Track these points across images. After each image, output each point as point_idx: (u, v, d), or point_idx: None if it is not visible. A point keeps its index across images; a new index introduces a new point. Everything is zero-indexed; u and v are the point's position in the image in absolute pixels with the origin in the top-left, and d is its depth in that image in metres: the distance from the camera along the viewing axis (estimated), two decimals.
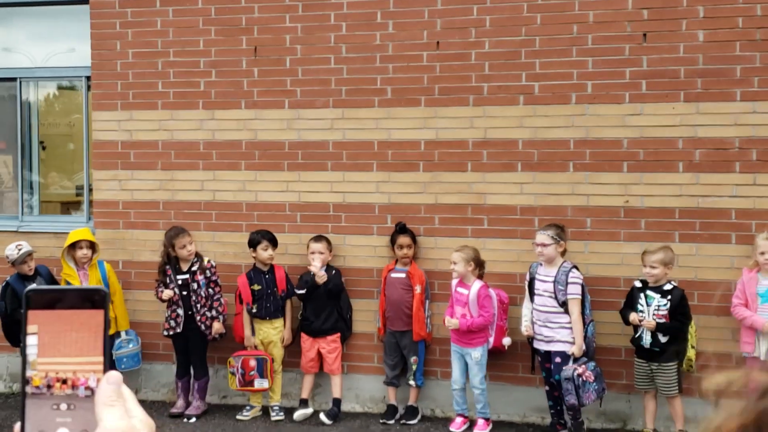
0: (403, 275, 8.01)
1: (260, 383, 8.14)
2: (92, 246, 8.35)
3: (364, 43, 8.20)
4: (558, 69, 7.79)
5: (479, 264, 7.68)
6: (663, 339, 7.13)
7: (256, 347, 8.25)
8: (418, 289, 7.94)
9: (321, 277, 7.99)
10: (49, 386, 1.03)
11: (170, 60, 8.67)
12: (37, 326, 1.03)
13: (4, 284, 8.24)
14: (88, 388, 1.04)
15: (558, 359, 7.34)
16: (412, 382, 8.08)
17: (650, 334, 7.15)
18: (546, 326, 7.42)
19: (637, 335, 7.26)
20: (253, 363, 8.11)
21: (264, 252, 8.15)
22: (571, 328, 7.35)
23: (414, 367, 8.05)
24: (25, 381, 1.03)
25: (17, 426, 1.03)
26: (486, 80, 7.95)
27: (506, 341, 7.77)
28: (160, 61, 8.70)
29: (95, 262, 8.41)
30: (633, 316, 7.16)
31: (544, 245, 7.38)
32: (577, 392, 7.19)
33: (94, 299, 1.05)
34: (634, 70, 7.64)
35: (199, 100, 8.61)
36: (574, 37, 7.75)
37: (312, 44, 8.32)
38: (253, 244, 8.19)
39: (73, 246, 8.27)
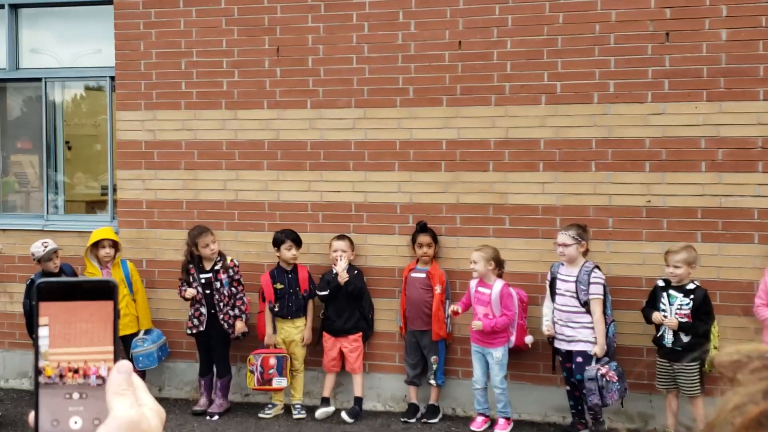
0: (423, 275, 8.20)
1: (278, 382, 8.34)
2: (115, 245, 8.61)
3: (386, 43, 8.40)
4: (580, 68, 7.95)
5: (499, 263, 7.85)
6: (685, 338, 7.26)
7: (276, 345, 8.46)
8: (438, 288, 8.12)
9: (343, 277, 8.20)
10: (61, 376, 1.07)
11: (193, 60, 8.92)
12: (48, 318, 1.07)
13: (29, 282, 8.53)
14: (99, 377, 1.07)
15: (579, 359, 7.49)
16: (432, 382, 8.26)
17: (672, 334, 7.27)
18: (567, 326, 7.58)
19: (659, 334, 7.39)
20: (273, 361, 8.32)
21: (287, 252, 8.36)
22: (592, 328, 7.50)
23: (434, 367, 8.23)
24: (38, 371, 1.07)
25: (32, 415, 1.07)
26: (508, 80, 8.13)
27: (528, 339, 7.94)
28: (183, 61, 8.95)
29: (118, 261, 8.67)
30: (656, 315, 7.28)
31: (565, 245, 7.53)
32: (601, 392, 7.35)
33: (103, 290, 1.09)
34: (657, 70, 7.78)
35: (222, 100, 8.85)
36: (596, 36, 7.91)
37: (334, 44, 8.53)
38: (276, 243, 8.40)
39: (96, 245, 8.54)
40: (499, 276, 7.86)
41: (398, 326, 8.47)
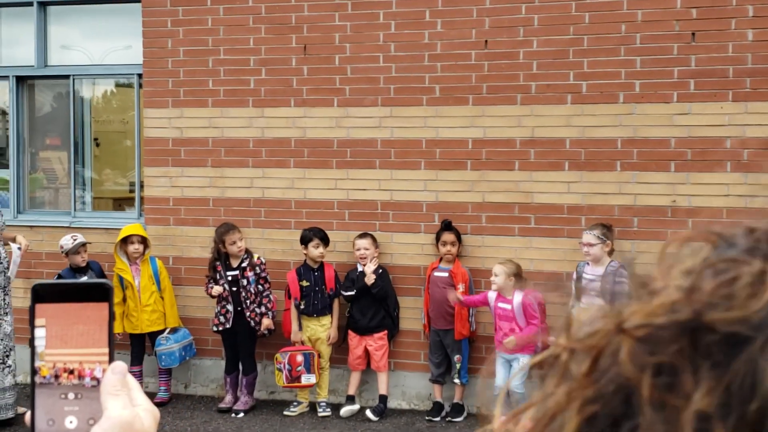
0: (445, 274, 8.55)
1: (307, 378, 8.72)
2: (144, 241, 9.06)
3: (412, 42, 8.79)
4: (606, 68, 8.30)
5: (519, 277, 8.09)
6: None
7: (303, 342, 8.86)
8: (461, 287, 8.46)
9: (371, 279, 8.60)
10: (56, 376, 1.11)
11: (220, 58, 9.34)
12: (45, 319, 1.12)
13: (56, 277, 9.00)
14: (93, 378, 1.11)
15: None
16: (457, 380, 8.60)
17: None
18: None
19: None
20: (300, 358, 8.71)
21: (315, 250, 8.76)
22: None
23: (458, 366, 8.59)
24: (34, 371, 1.11)
25: (28, 414, 1.12)
26: (534, 79, 8.50)
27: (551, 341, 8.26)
28: (210, 59, 9.38)
29: (147, 257, 9.11)
30: None
31: (590, 245, 7.89)
32: None
33: (99, 292, 1.13)
34: (683, 70, 8.12)
35: (249, 98, 9.27)
36: (622, 36, 8.26)
37: (361, 42, 8.93)
38: (304, 241, 8.79)
39: (126, 241, 8.99)
40: (519, 288, 8.11)
41: (422, 324, 8.85)
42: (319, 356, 8.79)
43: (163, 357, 8.97)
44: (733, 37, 7.99)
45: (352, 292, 8.73)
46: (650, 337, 0.60)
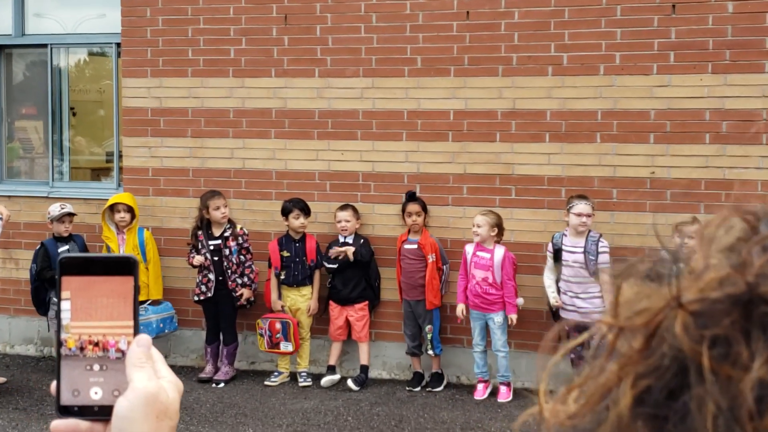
0: (414, 246, 8.65)
1: (285, 346, 8.81)
2: (131, 211, 9.09)
3: (394, 12, 8.82)
4: (587, 40, 8.38)
5: (500, 230, 8.32)
6: None
7: (283, 309, 8.90)
8: (430, 258, 8.57)
9: (350, 253, 8.69)
10: (81, 348, 1.13)
11: (200, 27, 9.33)
12: (70, 291, 1.13)
13: (39, 247, 9.03)
14: (118, 350, 1.13)
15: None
16: (430, 352, 8.72)
17: None
18: (579, 297, 8.06)
19: None
20: (278, 326, 8.78)
21: (295, 221, 8.82)
22: (601, 297, 8.01)
23: (429, 336, 8.70)
24: (60, 343, 1.13)
25: (53, 385, 1.14)
26: (515, 51, 8.56)
27: (520, 302, 8.37)
28: (190, 28, 9.36)
29: (135, 227, 9.16)
30: None
31: (588, 215, 8.01)
32: None
33: (124, 266, 1.15)
34: (663, 42, 8.22)
35: (229, 68, 9.28)
36: (603, 8, 8.33)
37: (342, 13, 8.95)
38: (285, 212, 8.85)
39: (113, 210, 9.04)
40: (497, 243, 8.32)
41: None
42: (298, 325, 8.86)
43: (141, 328, 8.97)
44: (714, 9, 8.08)
45: (335, 265, 8.81)
46: (705, 310, 0.63)
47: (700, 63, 8.14)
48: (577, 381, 0.70)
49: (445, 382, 8.80)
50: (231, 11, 9.23)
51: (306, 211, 8.86)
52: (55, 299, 8.67)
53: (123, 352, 1.12)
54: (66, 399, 1.13)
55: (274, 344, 8.84)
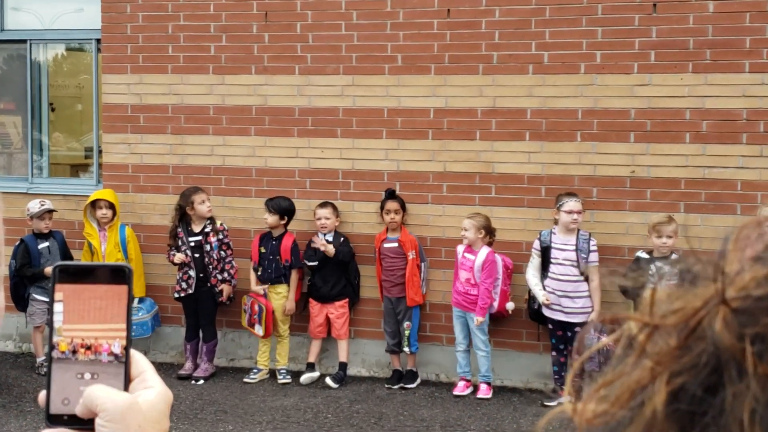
0: (395, 244, 8.63)
1: (258, 329, 8.77)
2: (112, 207, 9.02)
3: (374, 10, 8.75)
4: (567, 38, 8.34)
5: (489, 232, 8.28)
6: None
7: (265, 293, 8.81)
8: (411, 255, 8.55)
9: (330, 252, 8.64)
10: (74, 351, 1.11)
11: (180, 24, 9.25)
12: (63, 294, 1.12)
13: (18, 242, 8.94)
14: (111, 353, 1.12)
15: (578, 329, 7.94)
16: (406, 349, 8.70)
17: None
18: (567, 296, 8.02)
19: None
20: (256, 308, 8.76)
21: (267, 219, 8.76)
22: (588, 297, 7.98)
23: (407, 333, 8.67)
24: (52, 347, 1.12)
25: (42, 394, 1.12)
26: (496, 49, 8.51)
27: (509, 306, 8.38)
28: (170, 24, 9.27)
29: (117, 224, 9.09)
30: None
31: (579, 213, 7.98)
32: (599, 360, 7.83)
33: (119, 275, 1.14)
34: (643, 41, 8.18)
35: (210, 65, 9.19)
36: (584, 6, 8.28)
37: (323, 10, 8.87)
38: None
39: (94, 206, 8.97)
40: (489, 244, 8.29)
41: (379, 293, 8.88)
42: (272, 312, 8.76)
43: (135, 327, 8.95)
44: (694, 9, 8.05)
45: (315, 263, 8.77)
46: (746, 308, 0.63)
47: (680, 62, 8.10)
48: (606, 379, 0.70)
49: (419, 381, 8.76)
50: (211, 8, 9.15)
51: (275, 210, 8.73)
52: (35, 295, 8.75)
53: (116, 356, 1.12)
54: (56, 408, 1.11)
55: (251, 324, 8.83)
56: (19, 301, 8.96)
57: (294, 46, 8.97)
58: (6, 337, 9.93)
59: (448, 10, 8.58)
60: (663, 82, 8.15)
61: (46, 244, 8.90)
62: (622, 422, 0.66)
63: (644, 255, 7.81)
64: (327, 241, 8.75)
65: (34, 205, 8.91)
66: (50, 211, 8.95)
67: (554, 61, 8.38)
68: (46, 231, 8.94)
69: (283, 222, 8.81)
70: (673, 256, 7.70)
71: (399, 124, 8.78)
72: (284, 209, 8.79)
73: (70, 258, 9.00)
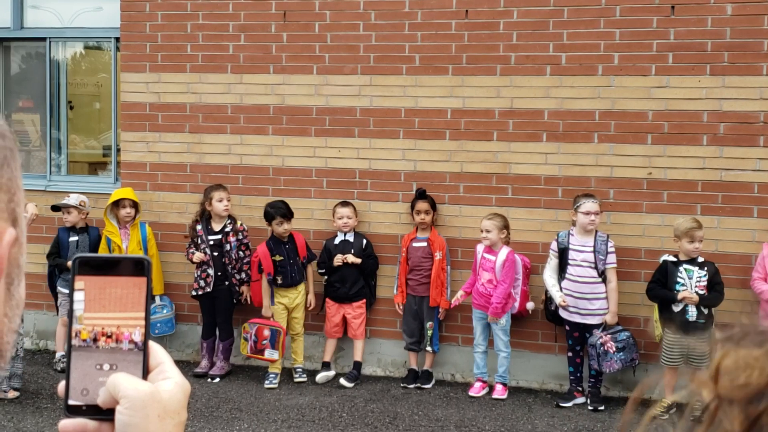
0: (424, 243, 8.55)
1: (270, 354, 8.60)
2: (135, 206, 9.00)
3: (393, 10, 8.66)
4: (585, 40, 8.23)
5: (507, 230, 8.20)
6: (706, 311, 7.55)
7: (273, 317, 8.71)
8: (438, 255, 8.47)
9: (355, 261, 8.61)
10: (95, 339, 1.11)
11: (199, 23, 9.17)
12: (84, 283, 1.13)
13: (56, 237, 9.14)
14: (131, 341, 1.12)
15: (595, 331, 7.87)
16: (429, 348, 8.62)
17: (695, 308, 7.54)
18: (584, 298, 7.91)
19: (678, 310, 7.57)
20: (267, 333, 8.58)
21: (278, 227, 8.61)
22: (605, 298, 7.87)
23: (429, 333, 8.58)
24: (71, 336, 1.12)
25: (62, 385, 1.12)
26: (513, 50, 8.40)
27: (530, 306, 8.32)
28: (189, 23, 9.20)
29: (138, 222, 9.07)
30: (685, 294, 7.44)
31: (597, 214, 7.87)
32: (598, 359, 7.74)
33: (138, 268, 1.14)
34: (661, 43, 8.06)
35: (228, 64, 9.11)
36: (602, 8, 8.17)
37: (341, 10, 8.78)
38: (267, 218, 8.66)
39: (117, 205, 8.94)
40: (506, 243, 8.20)
41: (394, 294, 8.77)
42: (285, 333, 8.65)
43: (159, 325, 8.99)
44: (712, 11, 7.94)
45: (323, 270, 8.78)
46: None
47: (698, 64, 7.99)
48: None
49: (433, 381, 8.67)
50: (230, 7, 9.07)
51: (288, 216, 8.64)
52: (60, 288, 8.75)
53: (136, 344, 1.12)
54: (75, 398, 1.11)
55: (258, 350, 8.63)
56: (53, 289, 9.13)
57: (312, 45, 8.88)
58: (24, 333, 9.83)
59: (467, 10, 8.47)
60: (681, 84, 8.04)
61: (77, 238, 9.01)
62: None
63: (671, 258, 7.65)
64: (347, 241, 8.69)
65: (68, 199, 8.99)
66: (74, 207, 8.94)
67: (572, 62, 8.27)
68: (79, 226, 9.04)
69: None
70: (700, 258, 7.56)
71: (416, 125, 8.69)
72: (291, 212, 8.67)
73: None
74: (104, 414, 1.10)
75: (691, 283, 7.53)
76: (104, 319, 1.12)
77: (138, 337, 1.12)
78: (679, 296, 7.50)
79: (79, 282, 1.12)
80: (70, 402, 1.11)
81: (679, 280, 7.57)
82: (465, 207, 8.62)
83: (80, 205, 8.97)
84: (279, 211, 8.60)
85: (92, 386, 1.11)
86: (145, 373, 1.12)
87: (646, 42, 8.10)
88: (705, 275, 7.53)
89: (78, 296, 1.12)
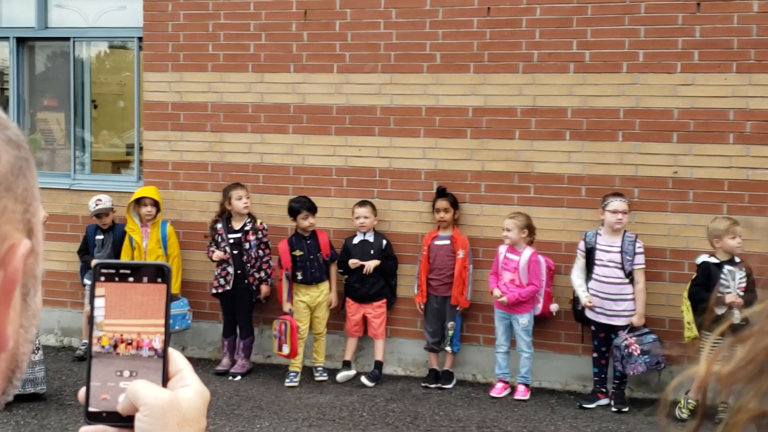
0: (447, 242, 8.37)
1: (284, 349, 8.49)
2: (156, 204, 8.95)
3: (413, 8, 8.49)
4: (609, 37, 8.02)
5: (531, 231, 8.02)
6: (747, 312, 7.27)
7: (291, 313, 8.57)
8: (461, 253, 8.30)
9: (369, 268, 8.48)
10: (115, 346, 1.11)
11: (221, 22, 9.05)
12: (105, 289, 1.12)
13: (83, 237, 9.25)
14: (151, 348, 1.11)
15: (621, 332, 7.68)
16: (448, 348, 8.45)
17: (737, 310, 7.26)
18: (610, 299, 7.71)
19: (722, 313, 7.31)
20: (282, 327, 8.49)
21: (304, 221, 8.51)
22: (632, 300, 7.66)
23: (450, 333, 8.42)
24: (92, 342, 1.11)
25: (82, 391, 1.11)
26: (536, 47, 8.20)
27: (554, 307, 8.13)
28: (210, 23, 9.08)
29: (159, 221, 9.03)
30: (733, 299, 7.17)
31: (624, 213, 7.66)
32: (622, 362, 7.55)
33: (158, 274, 1.13)
34: (687, 40, 7.83)
35: (249, 63, 8.99)
36: (626, 5, 7.96)
37: (361, 8, 8.62)
38: (292, 213, 8.55)
39: (139, 203, 8.91)
40: (530, 243, 8.00)
41: (414, 294, 8.61)
42: (297, 328, 8.50)
43: (176, 319, 8.86)
44: (738, 8, 7.71)
45: (342, 270, 8.66)
46: None
47: (724, 62, 7.75)
48: (740, 337, 0.80)
49: (454, 381, 8.51)
50: (251, 6, 8.95)
51: (313, 211, 8.57)
52: (85, 281, 8.76)
53: (155, 351, 1.11)
54: (95, 405, 1.10)
55: (280, 347, 8.55)
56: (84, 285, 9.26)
57: (333, 44, 8.73)
58: (47, 330, 9.80)
59: (488, 8, 8.28)
60: (706, 81, 7.81)
61: (102, 237, 9.10)
62: (753, 372, 0.74)
63: (712, 260, 7.38)
64: (367, 241, 8.57)
65: (91, 205, 9.04)
66: (103, 213, 9.01)
67: (596, 59, 8.06)
68: (105, 227, 9.12)
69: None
70: (736, 259, 7.31)
71: (437, 123, 8.51)
72: (315, 207, 8.56)
73: (119, 251, 9.03)
74: (124, 421, 1.09)
75: (734, 284, 7.31)
76: (124, 325, 1.12)
77: (158, 344, 1.12)
78: (727, 300, 7.21)
79: (100, 288, 1.12)
80: (91, 409, 1.11)
81: (723, 281, 7.33)
82: (486, 206, 8.44)
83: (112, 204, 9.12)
84: (304, 204, 8.52)
85: (112, 393, 1.10)
86: (165, 380, 1.11)
87: (672, 39, 7.87)
88: (744, 276, 7.29)
89: (98, 303, 1.11)
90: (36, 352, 7.74)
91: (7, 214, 0.96)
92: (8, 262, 0.96)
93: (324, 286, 8.69)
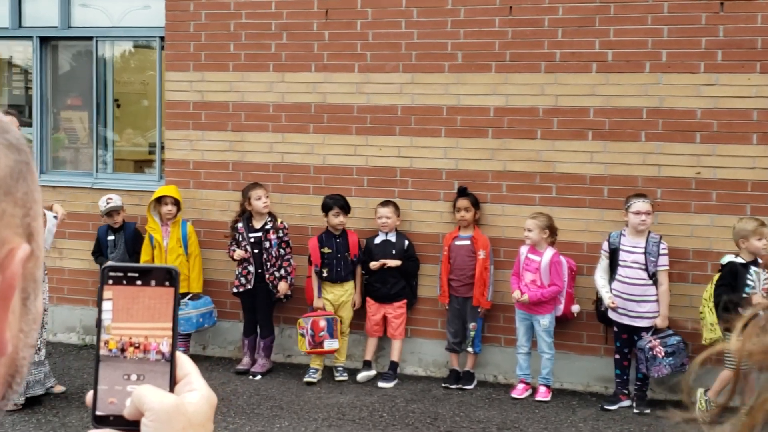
0: (467, 242, 8.30)
1: (330, 344, 8.44)
2: (177, 203, 8.93)
3: (435, 8, 8.42)
4: (632, 37, 7.92)
5: (552, 231, 7.93)
6: None
7: (324, 308, 8.58)
8: (481, 254, 8.22)
9: (394, 264, 8.45)
10: (122, 350, 1.11)
11: (242, 22, 9.02)
12: (112, 292, 1.11)
13: (97, 239, 9.22)
14: (159, 352, 1.11)
15: (644, 334, 7.59)
16: (470, 349, 8.38)
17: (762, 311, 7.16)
18: (633, 300, 7.62)
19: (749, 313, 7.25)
20: (322, 324, 8.43)
21: (334, 218, 8.49)
22: (655, 301, 7.57)
23: (472, 334, 8.35)
24: (99, 345, 1.11)
25: (89, 395, 1.11)
26: (558, 47, 8.12)
27: (575, 309, 8.05)
28: (232, 22, 9.05)
29: (179, 220, 9.01)
30: (759, 299, 7.03)
31: (648, 213, 7.57)
32: (646, 364, 7.46)
33: (166, 277, 1.12)
34: (710, 40, 7.73)
35: (270, 63, 8.95)
36: (649, 4, 7.87)
37: (383, 8, 8.56)
38: (325, 208, 8.54)
39: (160, 201, 8.89)
40: (552, 244, 7.93)
41: (437, 294, 8.54)
42: (341, 322, 8.54)
43: (181, 321, 8.78)
44: (762, 8, 7.61)
45: (364, 270, 8.64)
46: None
47: (748, 62, 7.65)
48: None
49: (475, 382, 8.43)
50: (273, 6, 8.91)
51: (346, 209, 8.57)
52: None
53: (163, 354, 1.10)
54: (102, 409, 1.10)
55: (317, 343, 8.45)
56: None
57: (354, 44, 8.68)
58: (69, 329, 9.82)
59: (510, 7, 8.20)
60: (730, 82, 7.71)
61: (113, 237, 9.06)
62: None
63: (739, 260, 7.27)
64: (389, 241, 8.52)
65: (102, 203, 8.98)
66: (114, 211, 8.94)
67: (618, 59, 7.97)
68: (117, 226, 9.07)
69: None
70: (759, 260, 7.21)
71: (458, 123, 8.44)
72: (349, 207, 8.54)
73: (136, 251, 9.01)
74: (131, 425, 1.08)
75: (759, 285, 7.21)
76: (132, 329, 1.11)
77: (165, 347, 1.11)
78: (754, 300, 7.07)
79: (108, 292, 1.11)
80: (98, 413, 1.10)
81: (749, 282, 7.23)
82: (508, 206, 8.36)
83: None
84: (337, 202, 8.51)
85: (119, 397, 1.09)
86: (173, 384, 1.10)
87: (695, 39, 7.77)
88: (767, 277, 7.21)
89: (106, 306, 1.11)
90: (38, 352, 7.70)
91: (6, 218, 0.96)
92: (6, 266, 0.96)
93: (349, 285, 8.66)
